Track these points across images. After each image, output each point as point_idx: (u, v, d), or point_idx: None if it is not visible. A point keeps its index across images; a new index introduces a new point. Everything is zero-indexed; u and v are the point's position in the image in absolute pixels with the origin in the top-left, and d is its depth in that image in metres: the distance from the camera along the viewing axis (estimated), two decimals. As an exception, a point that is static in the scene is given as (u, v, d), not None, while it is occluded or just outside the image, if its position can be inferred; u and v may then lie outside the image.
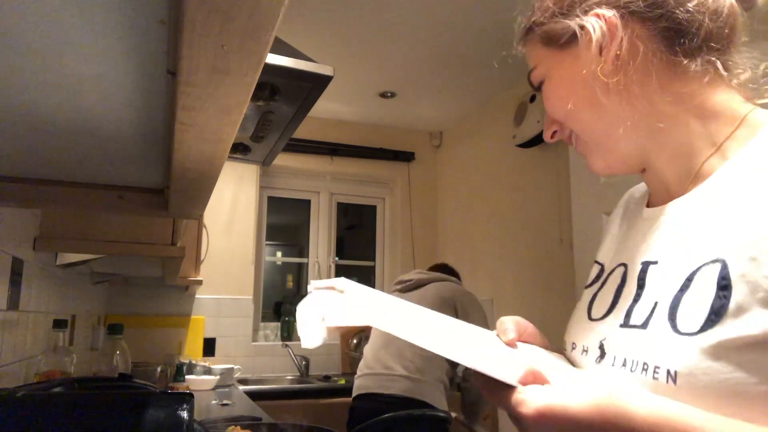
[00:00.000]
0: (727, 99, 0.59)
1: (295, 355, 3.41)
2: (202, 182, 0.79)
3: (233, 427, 1.26)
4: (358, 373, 2.28)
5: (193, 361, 2.95)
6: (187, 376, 2.74)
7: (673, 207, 0.60)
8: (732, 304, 0.47)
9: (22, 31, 0.44)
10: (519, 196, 3.15)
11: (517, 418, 0.51)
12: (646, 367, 0.52)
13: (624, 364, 0.55)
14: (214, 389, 2.72)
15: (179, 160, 0.67)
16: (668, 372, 0.49)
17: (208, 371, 2.88)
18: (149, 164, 0.84)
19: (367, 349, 2.31)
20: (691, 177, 0.59)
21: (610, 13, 0.60)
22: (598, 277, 0.70)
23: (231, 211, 3.52)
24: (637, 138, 0.62)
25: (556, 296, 2.73)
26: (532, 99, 2.89)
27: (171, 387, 2.61)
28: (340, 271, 3.97)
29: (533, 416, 0.48)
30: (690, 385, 0.48)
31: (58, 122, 0.65)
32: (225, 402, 2.31)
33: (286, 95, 1.39)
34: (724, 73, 0.59)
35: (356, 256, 4.11)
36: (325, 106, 3.60)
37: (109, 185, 0.97)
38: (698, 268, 0.51)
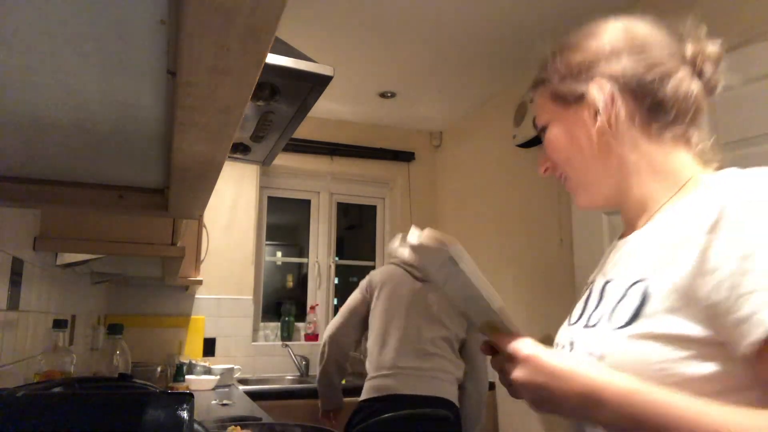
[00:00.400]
0: (684, 162, 0.77)
1: (295, 355, 3.41)
2: (202, 182, 0.79)
3: (233, 427, 1.26)
4: (376, 372, 2.15)
5: (193, 361, 2.95)
6: (187, 376, 2.74)
7: (630, 239, 0.78)
8: (648, 309, 0.65)
9: (22, 31, 0.44)
10: (519, 196, 3.15)
11: (510, 358, 0.68)
12: (590, 354, 0.70)
13: (579, 354, 0.74)
14: (214, 389, 2.72)
15: (179, 160, 0.67)
16: (600, 355, 0.68)
17: (208, 371, 2.89)
18: (149, 164, 0.84)
19: (387, 347, 2.16)
20: (648, 218, 0.76)
21: (610, 86, 0.76)
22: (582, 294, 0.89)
23: (231, 211, 3.52)
24: (615, 183, 0.79)
25: (556, 296, 2.73)
26: (532, 99, 2.88)
27: (171, 387, 2.61)
28: (341, 271, 3.98)
29: (524, 357, 0.66)
30: (610, 363, 0.66)
31: (58, 122, 0.65)
32: (225, 402, 2.31)
33: (286, 95, 1.39)
34: (687, 143, 0.77)
35: (356, 256, 4.11)
36: (325, 106, 3.60)
37: (109, 185, 0.97)
38: (633, 284, 0.69)
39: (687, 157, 0.77)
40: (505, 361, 0.69)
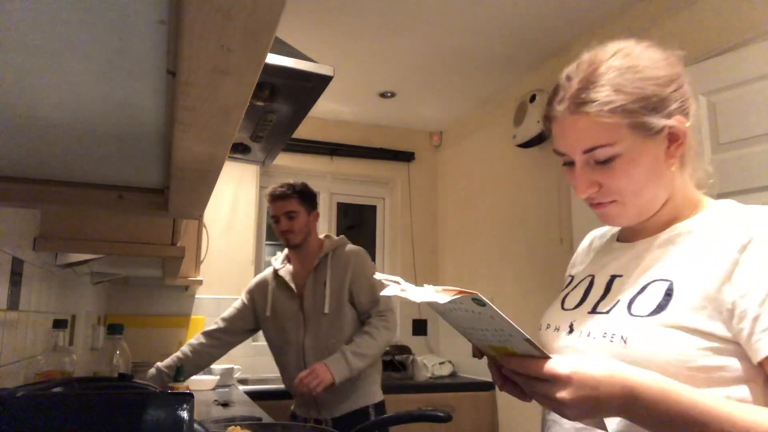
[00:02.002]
0: (692, 188, 0.87)
1: (295, 355, 3.41)
2: (202, 182, 0.79)
3: (233, 427, 1.26)
4: None
5: (193, 361, 2.95)
6: (187, 376, 2.74)
7: (639, 244, 0.87)
8: (672, 304, 0.75)
9: (22, 31, 0.44)
10: (519, 196, 3.15)
11: (551, 380, 0.68)
12: (605, 335, 0.78)
13: (588, 335, 0.81)
14: (214, 389, 2.72)
15: (179, 160, 0.67)
16: (621, 337, 0.76)
17: (208, 371, 2.88)
18: (149, 164, 0.84)
19: None
20: (669, 231, 0.85)
21: (686, 121, 0.81)
22: (569, 284, 1.00)
23: (231, 211, 3.51)
24: (660, 205, 0.85)
25: (556, 296, 2.73)
26: (532, 99, 2.88)
27: (171, 387, 2.60)
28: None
29: (567, 376, 0.67)
30: (634, 346, 0.75)
31: (58, 122, 0.65)
32: (225, 402, 2.31)
33: (286, 95, 1.39)
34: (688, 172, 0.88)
35: (356, 256, 4.10)
36: (325, 106, 3.60)
37: (109, 185, 0.97)
38: (652, 282, 0.80)
39: (691, 184, 0.87)
40: (537, 383, 0.70)
